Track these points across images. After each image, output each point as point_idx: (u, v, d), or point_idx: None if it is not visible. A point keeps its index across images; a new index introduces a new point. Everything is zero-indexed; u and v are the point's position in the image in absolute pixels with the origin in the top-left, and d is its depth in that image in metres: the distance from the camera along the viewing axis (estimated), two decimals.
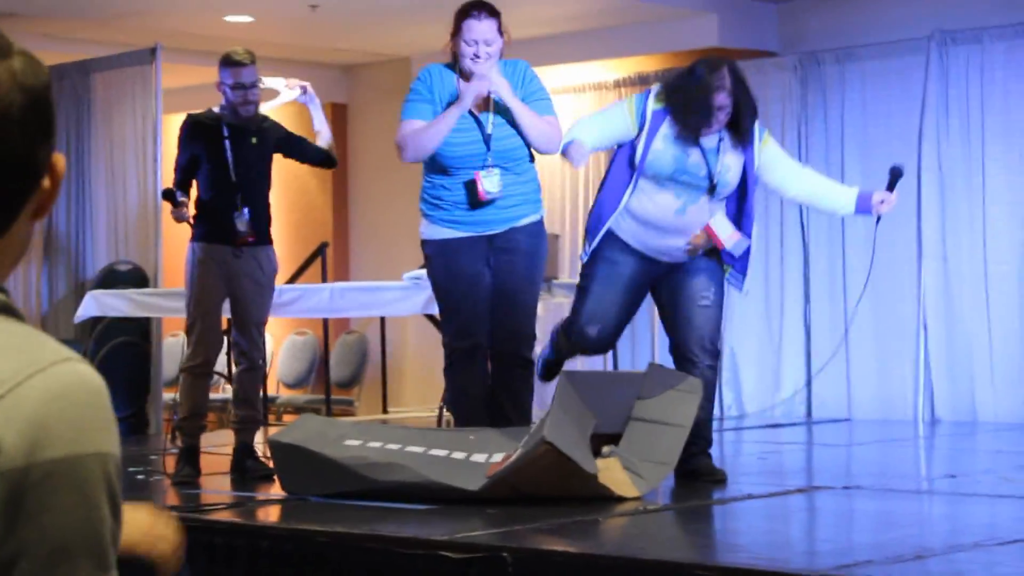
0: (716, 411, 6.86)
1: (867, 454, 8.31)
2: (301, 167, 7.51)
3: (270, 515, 5.88)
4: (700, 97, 6.19)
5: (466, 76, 6.42)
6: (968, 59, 9.76)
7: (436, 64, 6.54)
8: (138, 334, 10.05)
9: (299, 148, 7.12)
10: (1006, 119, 9.62)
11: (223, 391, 11.43)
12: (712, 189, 6.31)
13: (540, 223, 6.57)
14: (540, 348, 6.87)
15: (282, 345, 12.84)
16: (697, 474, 6.28)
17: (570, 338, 6.58)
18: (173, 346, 11.78)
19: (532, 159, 6.53)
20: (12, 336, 1.43)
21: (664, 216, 6.31)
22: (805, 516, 5.92)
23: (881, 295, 9.77)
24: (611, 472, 5.69)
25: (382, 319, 11.06)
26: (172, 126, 7.40)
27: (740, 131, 6.30)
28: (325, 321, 11.48)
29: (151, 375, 10.10)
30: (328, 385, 11.20)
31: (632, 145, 6.33)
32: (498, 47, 6.40)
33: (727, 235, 6.34)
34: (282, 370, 12.78)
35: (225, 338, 7.34)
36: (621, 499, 5.62)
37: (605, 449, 5.85)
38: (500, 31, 6.39)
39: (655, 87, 6.46)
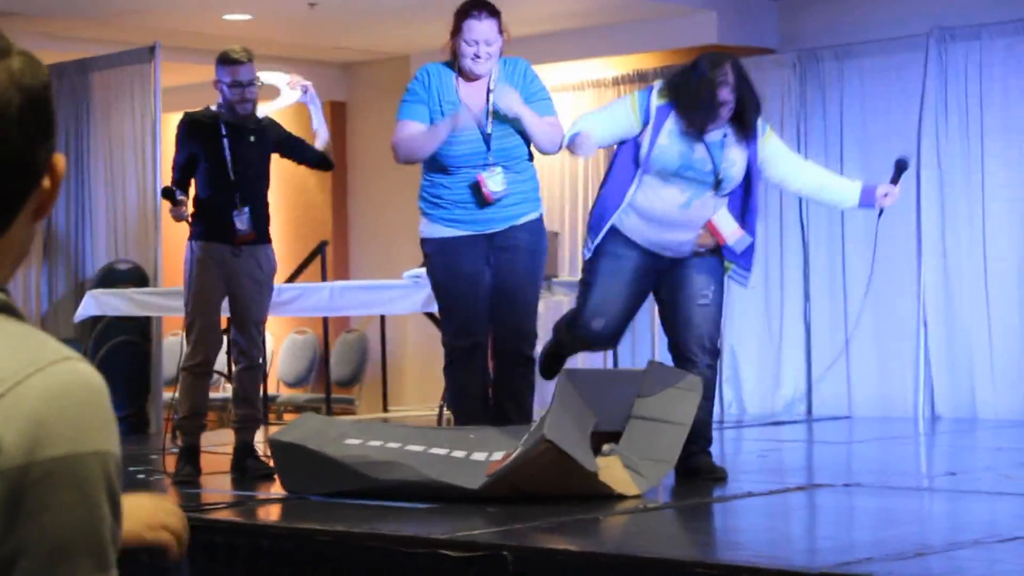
0: (716, 409, 6.85)
1: (867, 451, 8.31)
2: (300, 166, 7.50)
3: (270, 514, 5.87)
4: (704, 93, 6.19)
5: (466, 76, 6.42)
6: (967, 56, 9.75)
7: (434, 63, 6.53)
8: (138, 333, 10.05)
9: (297, 149, 7.11)
10: (1005, 116, 9.61)
11: (223, 390, 11.42)
12: (717, 184, 6.32)
13: (540, 221, 6.57)
14: (541, 346, 6.87)
15: (282, 344, 12.83)
16: (697, 472, 6.27)
17: (574, 333, 6.56)
18: (173, 345, 11.76)
19: (531, 157, 6.53)
20: (12, 335, 1.43)
21: (669, 211, 6.31)
22: (805, 514, 5.92)
23: (881, 292, 9.76)
24: (611, 470, 5.69)
25: (382, 318, 11.06)
26: (171, 125, 7.39)
27: (744, 126, 6.30)
28: (325, 320, 11.48)
29: (151, 374, 10.10)
30: (328, 384, 11.19)
31: (636, 142, 6.33)
32: (498, 47, 6.40)
33: (730, 231, 6.34)
34: (282, 369, 12.78)
35: (224, 337, 7.34)
36: (621, 497, 5.62)
37: (605, 447, 5.85)
38: (500, 30, 6.39)
39: (657, 83, 6.46)
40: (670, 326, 6.48)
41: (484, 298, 6.45)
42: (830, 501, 6.02)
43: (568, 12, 10.78)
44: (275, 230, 7.20)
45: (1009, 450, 7.92)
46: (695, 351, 6.34)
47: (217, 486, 6.59)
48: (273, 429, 7.87)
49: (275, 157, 7.06)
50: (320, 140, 7.14)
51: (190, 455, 6.82)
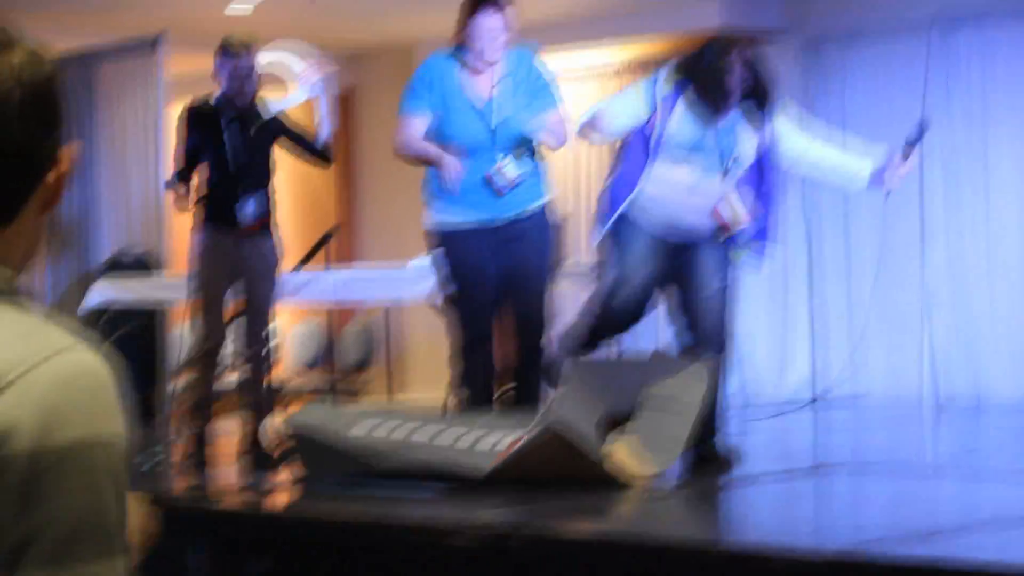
0: (723, 394, 6.84)
1: (875, 435, 8.31)
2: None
3: (278, 501, 5.88)
4: (713, 77, 6.18)
5: (471, 69, 6.40)
6: (970, 43, 9.73)
7: (438, 55, 6.50)
8: (143, 323, 10.05)
9: (297, 143, 7.08)
10: (1009, 103, 9.60)
11: (230, 378, 11.42)
12: (727, 167, 6.30)
13: (547, 208, 6.55)
14: (550, 334, 6.83)
15: (290, 332, 12.83)
16: (705, 458, 6.26)
17: (595, 321, 6.50)
18: (178, 335, 11.78)
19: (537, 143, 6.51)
20: (22, 323, 1.44)
21: (679, 194, 6.29)
22: (814, 497, 5.92)
23: (886, 277, 9.76)
24: (619, 457, 5.69)
25: (389, 306, 11.06)
26: (175, 115, 7.39)
27: (754, 111, 6.28)
28: (332, 308, 11.47)
29: (157, 363, 10.10)
30: (336, 371, 11.19)
31: (644, 131, 6.32)
32: (505, 40, 6.38)
33: (734, 216, 6.32)
34: (290, 357, 12.78)
35: (230, 326, 7.34)
36: (629, 484, 5.62)
37: (612, 434, 5.85)
38: (508, 24, 6.35)
39: (664, 69, 6.44)
40: (676, 316, 6.47)
41: (491, 288, 6.43)
42: (839, 484, 6.02)
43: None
44: (281, 218, 7.19)
45: (1018, 432, 7.92)
46: (701, 341, 6.33)
47: (224, 474, 6.60)
48: (280, 417, 7.88)
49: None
50: (323, 131, 7.10)
51: (197, 443, 6.83)
